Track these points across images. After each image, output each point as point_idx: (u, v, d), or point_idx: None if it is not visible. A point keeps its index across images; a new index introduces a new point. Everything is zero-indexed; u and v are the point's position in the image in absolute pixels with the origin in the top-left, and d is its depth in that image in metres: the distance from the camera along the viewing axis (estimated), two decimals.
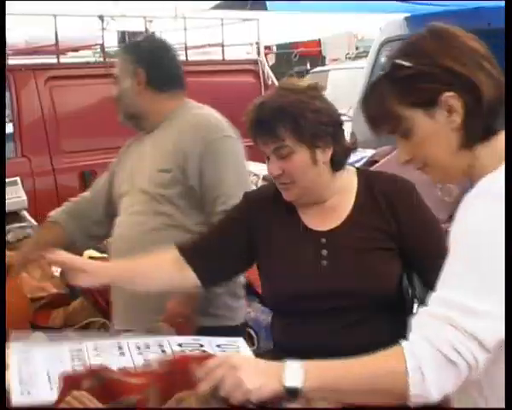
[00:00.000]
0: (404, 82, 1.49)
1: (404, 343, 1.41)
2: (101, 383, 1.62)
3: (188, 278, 2.21)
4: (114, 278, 2.26)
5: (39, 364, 1.85)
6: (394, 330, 1.74)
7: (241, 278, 2.71)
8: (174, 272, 2.22)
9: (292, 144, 2.06)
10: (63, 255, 2.18)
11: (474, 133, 1.49)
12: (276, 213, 2.18)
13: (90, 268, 2.17)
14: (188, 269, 2.21)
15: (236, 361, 1.47)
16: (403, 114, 1.50)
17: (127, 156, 2.89)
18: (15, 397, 1.68)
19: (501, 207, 1.39)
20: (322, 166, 2.09)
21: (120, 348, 2.02)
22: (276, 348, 2.21)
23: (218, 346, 2.07)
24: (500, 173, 1.45)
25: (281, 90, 2.14)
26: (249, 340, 3.33)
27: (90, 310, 2.87)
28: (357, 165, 2.30)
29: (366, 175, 2.18)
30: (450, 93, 1.47)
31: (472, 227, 1.42)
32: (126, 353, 1.99)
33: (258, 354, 2.27)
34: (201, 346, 2.06)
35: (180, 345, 2.06)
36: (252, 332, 3.32)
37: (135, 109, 2.80)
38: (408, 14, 6.58)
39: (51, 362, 1.87)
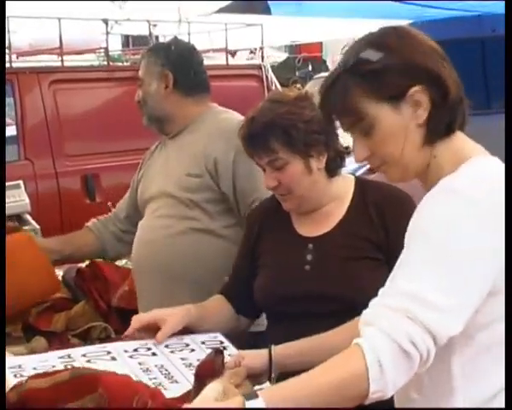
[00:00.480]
0: (371, 76, 1.48)
1: (359, 340, 1.39)
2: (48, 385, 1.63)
3: (241, 320, 2.29)
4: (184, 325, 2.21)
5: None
6: None
7: None
8: (229, 316, 2.28)
9: (285, 156, 2.09)
10: (143, 317, 2.17)
11: (437, 129, 1.49)
12: (271, 221, 2.23)
13: (165, 321, 2.14)
14: (240, 318, 2.29)
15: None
16: (367, 109, 1.49)
17: (151, 162, 2.89)
18: None
19: (463, 203, 1.40)
20: (317, 174, 2.12)
21: (109, 352, 2.02)
22: None
23: (203, 343, 2.11)
24: (461, 173, 1.45)
25: (270, 102, 2.16)
26: None
27: (92, 314, 2.86)
28: (357, 173, 2.32)
29: (362, 184, 2.19)
30: (418, 87, 1.46)
31: (433, 221, 1.41)
32: (117, 357, 1.99)
33: None
34: (187, 345, 2.09)
35: (167, 346, 2.08)
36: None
37: (161, 113, 2.78)
38: (411, 21, 6.60)
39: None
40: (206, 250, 2.65)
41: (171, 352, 2.05)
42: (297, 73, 13.14)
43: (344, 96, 1.50)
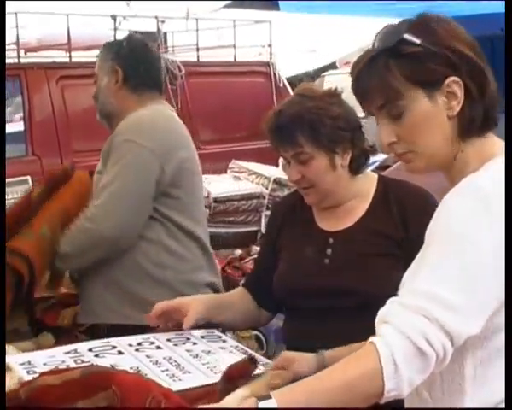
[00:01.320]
0: (411, 59, 1.45)
1: (373, 338, 1.38)
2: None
3: (262, 313, 2.30)
4: (207, 313, 2.21)
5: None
6: None
7: None
8: (251, 308, 2.29)
9: (310, 150, 2.09)
10: (165, 304, 2.17)
11: (469, 124, 1.47)
12: (294, 215, 2.24)
13: (189, 306, 2.15)
14: (262, 311, 2.29)
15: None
16: (403, 90, 1.46)
17: None
18: None
19: (482, 205, 1.38)
20: (340, 171, 2.13)
21: (114, 347, 2.02)
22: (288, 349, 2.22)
23: (203, 337, 2.13)
24: (482, 175, 1.43)
25: (299, 96, 2.16)
26: (258, 344, 3.32)
27: None
28: (369, 169, 2.33)
29: (385, 182, 2.20)
30: (456, 78, 1.44)
31: (452, 222, 1.40)
32: (124, 351, 1.99)
33: (269, 356, 2.29)
34: (188, 339, 2.10)
35: (169, 340, 2.09)
36: (261, 336, 3.31)
37: (109, 108, 2.77)
38: None
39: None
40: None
41: (175, 345, 2.06)
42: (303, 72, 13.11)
43: (382, 74, 1.47)
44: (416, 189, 2.14)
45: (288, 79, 7.27)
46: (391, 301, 1.43)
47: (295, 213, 2.24)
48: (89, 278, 2.67)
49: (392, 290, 1.64)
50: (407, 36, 1.46)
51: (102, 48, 2.86)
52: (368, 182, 2.18)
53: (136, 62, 2.78)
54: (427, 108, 1.46)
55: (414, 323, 1.36)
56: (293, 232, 2.22)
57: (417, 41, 1.45)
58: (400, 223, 2.08)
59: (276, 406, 1.36)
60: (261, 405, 1.37)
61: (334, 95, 2.14)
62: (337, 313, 2.05)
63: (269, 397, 1.37)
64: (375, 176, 2.22)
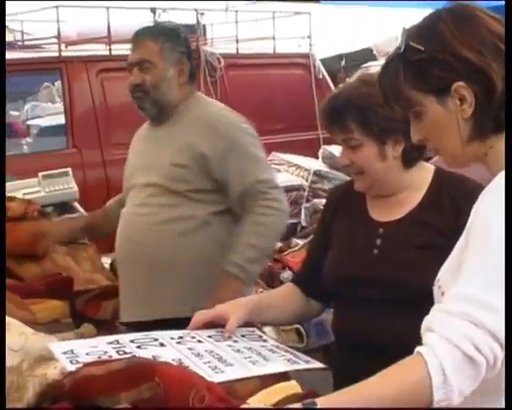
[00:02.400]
0: (417, 66, 1.45)
1: (420, 348, 1.35)
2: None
3: (311, 304, 2.27)
4: (248, 316, 2.19)
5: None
6: None
7: None
8: (298, 303, 2.26)
9: (360, 137, 2.08)
10: (204, 316, 2.13)
11: (484, 124, 1.44)
12: (347, 203, 2.23)
13: (229, 314, 2.11)
14: (311, 303, 2.27)
15: None
16: (414, 97, 1.47)
17: (132, 151, 2.90)
18: None
19: None
20: (391, 162, 2.10)
21: (156, 339, 2.02)
22: (336, 339, 2.25)
23: (243, 336, 2.12)
24: None
25: (358, 81, 2.15)
26: (299, 337, 3.30)
27: None
28: None
29: (440, 174, 2.16)
30: (461, 83, 1.42)
31: (490, 222, 1.37)
32: (166, 343, 1.99)
33: (307, 350, 2.28)
34: (230, 337, 2.09)
35: (210, 337, 2.08)
36: (301, 329, 3.29)
37: (169, 100, 2.74)
38: None
39: (102, 359, 1.86)
40: (193, 238, 2.65)
41: (216, 341, 2.05)
42: (343, 63, 13.03)
43: (393, 81, 1.49)
44: (471, 184, 2.09)
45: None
46: (434, 309, 1.41)
47: (349, 201, 2.22)
48: (165, 275, 2.65)
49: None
50: (412, 42, 1.45)
51: (159, 36, 2.76)
52: (423, 174, 2.15)
53: (191, 53, 2.81)
54: (440, 112, 1.46)
55: (460, 329, 1.32)
56: (346, 220, 2.21)
57: (421, 48, 1.44)
58: (452, 217, 2.05)
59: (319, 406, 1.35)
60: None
61: None
62: (383, 304, 2.04)
63: (314, 403, 1.36)
64: (432, 168, 2.18)
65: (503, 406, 1.40)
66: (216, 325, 2.11)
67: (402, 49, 1.47)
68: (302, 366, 1.94)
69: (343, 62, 12.62)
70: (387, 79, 1.51)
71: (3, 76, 2.95)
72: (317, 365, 1.99)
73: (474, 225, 1.41)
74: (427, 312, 1.79)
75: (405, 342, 2.00)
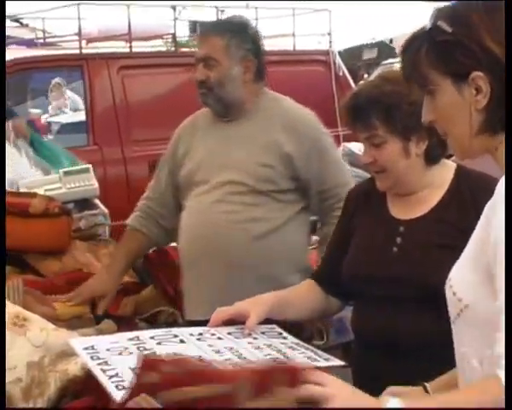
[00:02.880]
0: (441, 47, 1.44)
1: (498, 371, 1.32)
2: (184, 371, 1.60)
3: (331, 301, 2.27)
4: (269, 314, 2.18)
5: (112, 358, 1.85)
6: (445, 330, 1.70)
7: None
8: (318, 300, 2.26)
9: (384, 134, 2.07)
10: (224, 314, 2.12)
11: (496, 119, 1.42)
12: (367, 201, 2.23)
13: (249, 311, 2.11)
14: (330, 300, 2.27)
15: (335, 391, 1.40)
16: (432, 76, 1.46)
17: (196, 142, 2.81)
18: (115, 392, 1.67)
19: None
20: (414, 159, 2.10)
21: (176, 336, 2.02)
22: (355, 337, 2.25)
23: (263, 333, 2.11)
24: None
25: (380, 79, 2.14)
26: (318, 334, 3.29)
27: (160, 299, 2.88)
28: None
29: (462, 172, 2.15)
30: (480, 73, 1.41)
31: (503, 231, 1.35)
32: (186, 340, 1.99)
33: (326, 348, 2.28)
34: (249, 334, 2.08)
35: (230, 334, 2.08)
36: (321, 326, 3.28)
37: (235, 97, 2.71)
38: None
39: (122, 355, 1.87)
40: (271, 238, 2.64)
41: (236, 338, 2.06)
42: (364, 57, 12.99)
43: (413, 57, 1.48)
44: (491, 180, 2.08)
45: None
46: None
47: (369, 199, 2.22)
48: (240, 274, 2.62)
49: None
50: (440, 23, 1.43)
51: (224, 32, 2.72)
52: (444, 171, 2.14)
53: (261, 51, 2.77)
54: (454, 98, 1.44)
55: None
56: (366, 218, 2.20)
57: (449, 30, 1.42)
58: (473, 215, 2.03)
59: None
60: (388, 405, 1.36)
61: None
62: (403, 303, 2.03)
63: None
64: (453, 165, 2.16)
65: None
66: (236, 322, 2.11)
67: (429, 28, 1.46)
68: (322, 363, 1.94)
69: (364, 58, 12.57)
70: (410, 54, 1.50)
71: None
72: (337, 362, 1.99)
73: (496, 234, 1.38)
74: (445, 310, 1.79)
75: (424, 340, 2.02)
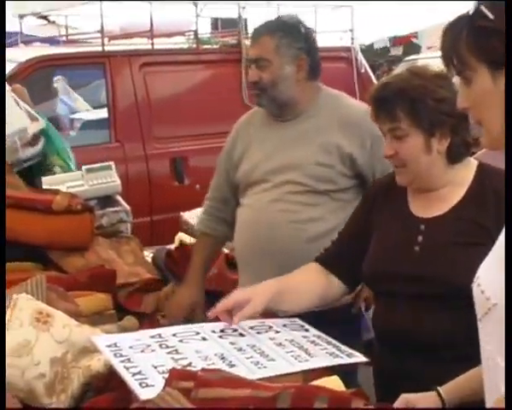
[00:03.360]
0: (480, 32, 1.42)
1: None
2: (220, 376, 1.62)
3: (334, 286, 2.28)
4: (271, 301, 2.19)
5: (135, 355, 1.86)
6: (467, 328, 1.73)
7: None
8: (321, 284, 2.27)
9: (407, 128, 2.07)
10: (224, 305, 2.13)
11: None
12: (388, 196, 2.23)
13: (254, 297, 2.12)
14: (332, 278, 2.28)
15: None
16: (469, 61, 1.43)
17: (253, 142, 2.80)
18: (139, 389, 1.68)
19: None
20: (436, 156, 2.09)
21: (198, 333, 2.03)
22: (376, 335, 2.25)
23: (285, 326, 2.14)
24: None
25: (408, 73, 2.14)
26: None
27: None
28: None
29: (484, 170, 2.14)
30: None
31: None
32: (208, 337, 2.00)
33: None
34: (271, 327, 2.11)
35: (252, 328, 2.10)
36: None
37: (289, 97, 2.71)
38: None
39: (145, 352, 1.88)
40: (329, 238, 2.58)
41: (258, 333, 2.06)
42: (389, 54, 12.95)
43: (453, 40, 1.46)
44: None
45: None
46: None
47: (390, 194, 2.21)
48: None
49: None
50: (483, 8, 1.41)
51: (275, 32, 2.71)
52: (465, 169, 2.13)
53: (315, 49, 2.77)
54: (489, 85, 1.42)
55: None
56: (386, 214, 2.20)
57: (490, 16, 1.40)
58: (494, 213, 2.02)
59: None
60: None
61: (445, 78, 2.08)
62: (424, 301, 2.03)
63: None
64: (475, 163, 2.16)
65: None
66: (235, 312, 2.10)
67: (471, 12, 1.44)
68: (345, 360, 1.94)
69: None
70: (450, 36, 1.48)
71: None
72: (360, 358, 1.99)
73: None
74: (466, 309, 1.78)
75: (446, 339, 2.00)
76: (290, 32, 2.72)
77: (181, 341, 1.97)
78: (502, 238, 1.46)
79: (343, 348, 2.03)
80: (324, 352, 1.98)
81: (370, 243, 2.21)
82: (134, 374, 1.74)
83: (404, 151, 2.09)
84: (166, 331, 2.05)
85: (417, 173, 2.11)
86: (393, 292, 2.10)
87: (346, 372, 2.05)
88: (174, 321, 2.55)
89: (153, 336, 1.99)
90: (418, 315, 2.04)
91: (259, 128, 2.82)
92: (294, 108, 2.72)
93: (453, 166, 2.12)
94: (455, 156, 2.10)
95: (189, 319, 2.63)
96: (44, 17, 6.70)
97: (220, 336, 2.02)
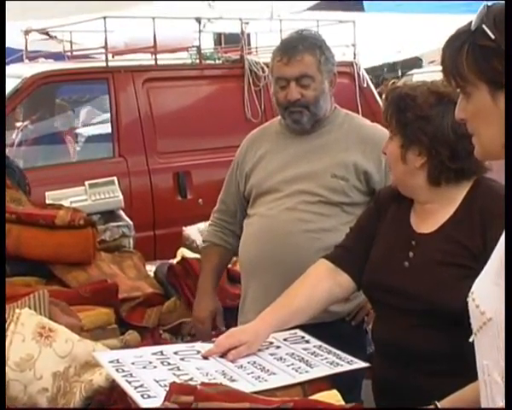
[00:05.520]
0: (481, 51, 1.42)
1: None
2: (220, 390, 1.62)
3: (343, 283, 2.26)
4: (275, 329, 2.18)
5: (137, 371, 1.87)
6: (456, 344, 1.78)
7: None
8: (327, 287, 2.25)
9: (392, 133, 2.16)
10: (226, 343, 2.08)
11: None
12: (395, 206, 2.24)
13: (252, 338, 2.09)
14: (342, 276, 2.26)
15: None
16: (469, 78, 1.44)
17: (266, 153, 2.81)
18: (140, 400, 1.70)
19: None
20: (414, 170, 2.12)
21: (199, 352, 2.03)
22: (374, 346, 2.29)
23: (285, 339, 2.13)
24: None
25: (420, 83, 2.17)
26: None
27: (183, 310, 2.90)
28: None
29: (478, 188, 2.12)
30: None
31: None
32: (209, 357, 2.00)
33: None
34: (271, 343, 2.10)
35: None
36: None
37: (324, 112, 2.75)
38: None
39: (147, 369, 1.89)
40: None
41: (259, 350, 2.06)
42: (385, 71, 12.95)
43: (454, 56, 1.47)
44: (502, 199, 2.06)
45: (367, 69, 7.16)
46: None
47: (397, 204, 2.23)
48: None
49: (459, 304, 1.63)
50: (485, 26, 1.41)
51: (313, 48, 2.73)
52: (456, 188, 2.12)
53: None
54: (489, 104, 1.43)
55: None
56: (390, 222, 2.22)
57: (492, 36, 1.40)
58: (479, 236, 2.02)
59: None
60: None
61: (445, 102, 2.07)
62: (414, 317, 2.05)
63: None
64: (471, 181, 2.14)
65: None
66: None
67: (473, 29, 1.44)
68: (345, 367, 1.95)
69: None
70: (451, 50, 1.48)
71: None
72: (360, 364, 2.00)
73: None
74: (453, 326, 1.79)
75: (435, 356, 2.01)
76: (325, 49, 2.77)
77: (182, 359, 1.98)
78: (497, 251, 1.46)
79: (343, 356, 2.03)
80: (325, 361, 1.99)
81: (373, 246, 2.24)
82: (136, 387, 1.75)
83: (388, 152, 2.19)
84: (168, 349, 2.06)
85: (397, 178, 2.18)
86: (387, 303, 2.13)
87: (349, 388, 2.06)
88: (202, 336, 2.57)
89: (154, 353, 2.00)
90: (408, 330, 2.06)
91: (275, 140, 2.83)
92: (321, 124, 2.76)
93: (439, 187, 2.11)
94: (434, 177, 2.10)
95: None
96: (46, 33, 6.73)
97: (221, 356, 2.02)
